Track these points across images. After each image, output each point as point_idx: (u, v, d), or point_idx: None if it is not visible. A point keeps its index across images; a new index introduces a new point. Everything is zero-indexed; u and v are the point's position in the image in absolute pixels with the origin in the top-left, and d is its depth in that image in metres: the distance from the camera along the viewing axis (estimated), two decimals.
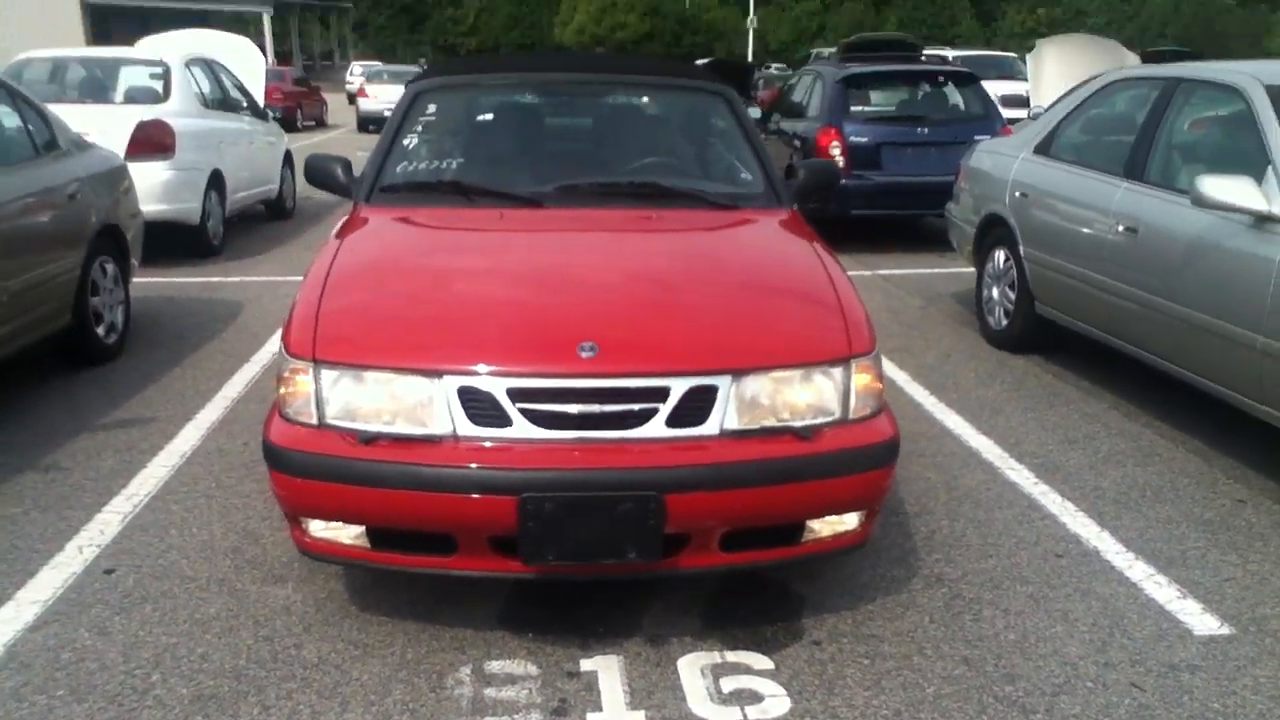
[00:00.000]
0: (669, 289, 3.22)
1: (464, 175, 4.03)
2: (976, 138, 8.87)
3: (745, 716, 2.63)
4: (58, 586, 3.24)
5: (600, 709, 2.66)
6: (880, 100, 9.57)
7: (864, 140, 8.93)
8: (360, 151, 19.71)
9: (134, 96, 8.64)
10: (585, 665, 2.85)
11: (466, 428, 2.72)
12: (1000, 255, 6.09)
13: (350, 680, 2.77)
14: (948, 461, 4.35)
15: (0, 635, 2.96)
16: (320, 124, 26.82)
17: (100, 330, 5.58)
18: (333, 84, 35.07)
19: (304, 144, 16.45)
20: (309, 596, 3.19)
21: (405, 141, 4.14)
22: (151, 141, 7.96)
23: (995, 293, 6.16)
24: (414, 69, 28.55)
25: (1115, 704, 2.71)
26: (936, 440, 4.58)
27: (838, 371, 2.89)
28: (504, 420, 2.71)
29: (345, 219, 3.89)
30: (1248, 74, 4.52)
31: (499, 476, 2.64)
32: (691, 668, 2.84)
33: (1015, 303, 5.92)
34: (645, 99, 4.59)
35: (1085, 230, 5.17)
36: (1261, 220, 4.02)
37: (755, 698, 2.71)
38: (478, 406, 2.72)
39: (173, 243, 8.41)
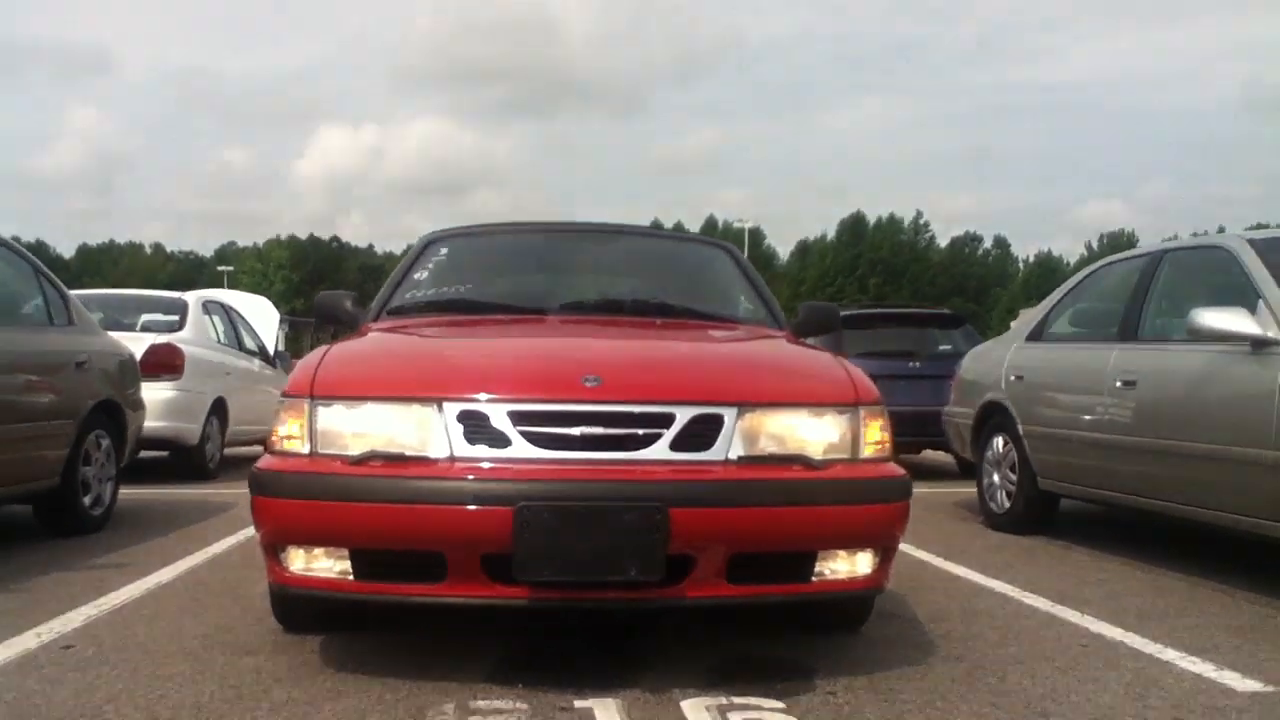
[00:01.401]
0: (677, 345, 3.24)
1: (469, 294, 4.12)
2: None
3: None
4: (8, 657, 3.01)
5: None
6: (874, 339, 9.86)
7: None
8: None
9: (150, 326, 8.92)
10: (579, 704, 2.61)
11: (464, 449, 2.64)
12: (999, 441, 6.09)
13: (321, 712, 2.53)
14: (960, 593, 4.16)
15: None
16: None
17: (87, 500, 5.47)
18: None
19: None
20: (282, 662, 2.97)
21: (416, 275, 4.24)
22: (161, 362, 8.12)
23: (996, 477, 6.10)
24: None
25: None
26: (947, 581, 4.40)
27: (844, 416, 2.86)
28: (503, 441, 2.65)
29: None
30: (1232, 235, 4.78)
31: (495, 487, 2.55)
32: (696, 708, 2.60)
33: (1017, 483, 5.85)
34: (651, 246, 4.76)
35: (1083, 393, 5.21)
36: (1259, 345, 4.08)
37: None
38: (477, 429, 2.66)
39: (170, 467, 8.41)
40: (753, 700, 2.65)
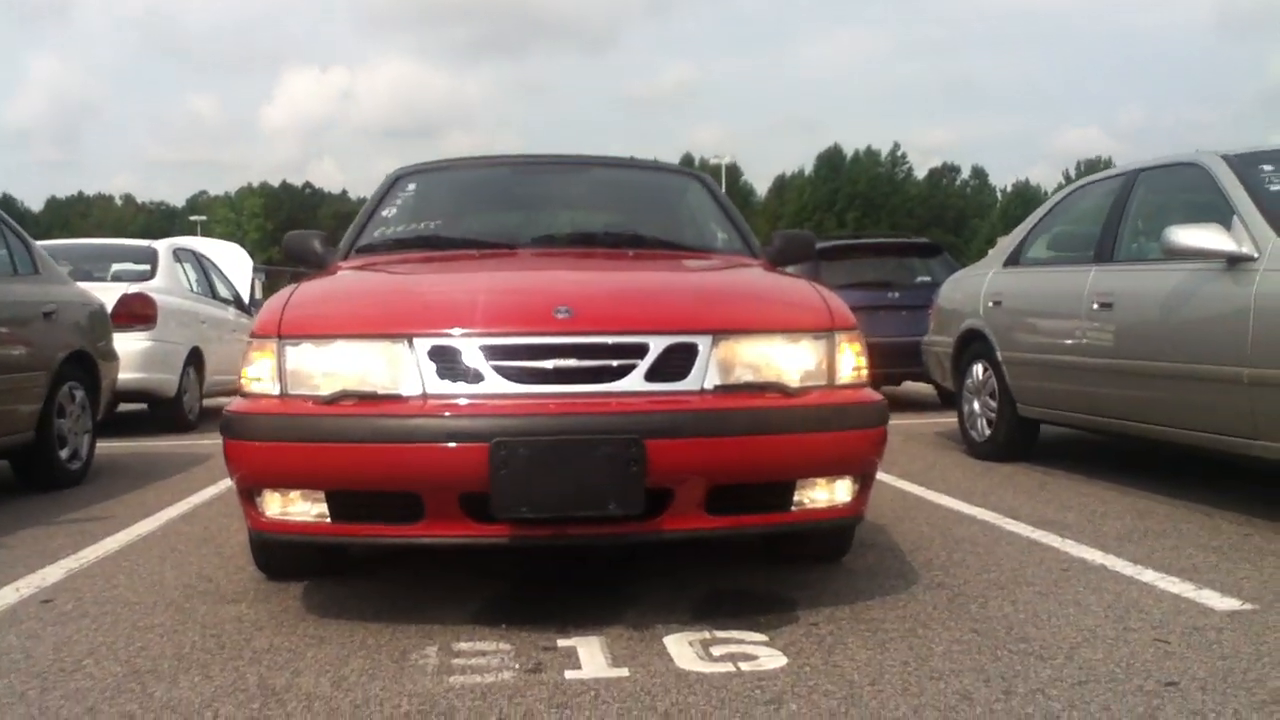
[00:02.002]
0: (649, 273, 3.20)
1: (439, 230, 4.06)
2: None
3: (739, 669, 2.39)
4: None
5: (579, 668, 2.41)
6: (851, 269, 9.82)
7: None
8: None
9: (121, 276, 8.79)
10: (563, 642, 2.60)
11: (436, 385, 2.61)
12: (978, 368, 6.09)
13: (304, 658, 2.52)
14: (942, 521, 4.17)
15: None
16: None
17: (64, 453, 5.42)
18: None
19: None
20: (263, 611, 2.95)
21: (384, 213, 4.17)
22: (133, 313, 8.01)
23: (976, 405, 6.11)
24: None
25: (1140, 652, 2.48)
26: (928, 510, 4.42)
27: (821, 342, 2.83)
28: (476, 377, 2.61)
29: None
30: (1205, 152, 4.73)
31: (469, 423, 2.51)
32: (679, 641, 2.60)
33: (997, 410, 5.86)
34: (622, 176, 4.68)
35: (1061, 317, 5.20)
36: (1234, 261, 4.06)
37: (748, 658, 2.47)
38: (449, 365, 2.62)
39: (148, 419, 8.34)
40: (735, 634, 2.65)
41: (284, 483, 2.65)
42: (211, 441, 7.52)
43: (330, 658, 2.51)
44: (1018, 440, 5.80)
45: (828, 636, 2.63)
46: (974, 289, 6.21)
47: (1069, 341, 5.10)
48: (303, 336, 2.71)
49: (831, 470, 2.75)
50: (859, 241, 10.14)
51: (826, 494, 2.78)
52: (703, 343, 2.69)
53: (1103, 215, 5.25)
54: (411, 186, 4.33)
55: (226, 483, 5.36)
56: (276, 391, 2.68)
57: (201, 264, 9.92)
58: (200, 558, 3.65)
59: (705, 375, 2.67)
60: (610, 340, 2.65)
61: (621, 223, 4.17)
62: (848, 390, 2.81)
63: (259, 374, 2.73)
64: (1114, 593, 3.03)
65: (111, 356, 6.24)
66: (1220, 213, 4.29)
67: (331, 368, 2.67)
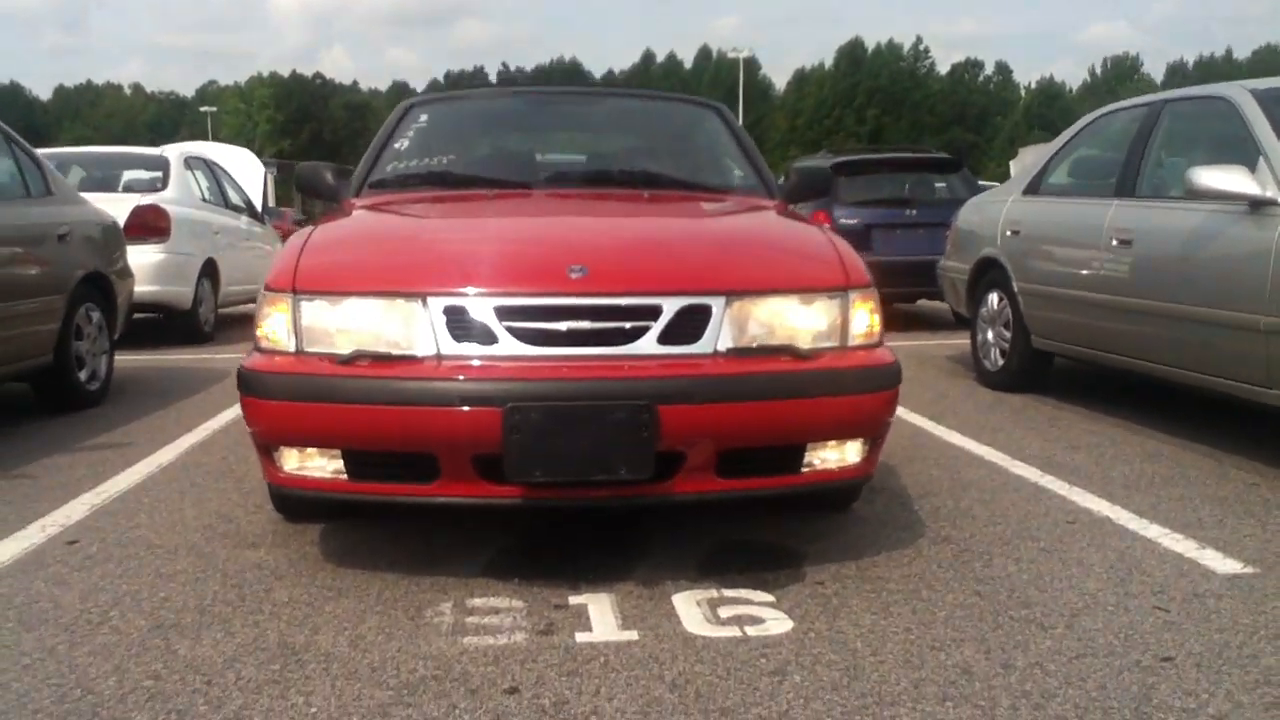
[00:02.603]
0: (662, 228, 3.18)
1: (452, 167, 4.03)
2: None
3: (745, 634, 2.45)
4: (15, 554, 3.06)
5: (589, 630, 2.48)
6: (868, 186, 9.70)
7: (853, 222, 9.02)
8: None
9: (133, 186, 8.75)
10: (574, 600, 2.67)
11: (450, 346, 2.62)
12: (994, 297, 6.06)
13: (322, 614, 2.59)
14: (950, 462, 4.21)
15: None
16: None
17: (83, 375, 5.48)
18: None
19: None
20: (282, 557, 3.02)
21: (396, 145, 4.14)
22: (147, 225, 8.01)
23: (990, 335, 6.11)
24: None
25: (1139, 622, 2.53)
26: (937, 449, 4.45)
27: (835, 301, 2.82)
28: (490, 338, 2.62)
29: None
30: (1234, 85, 4.61)
31: (483, 387, 2.53)
32: (687, 601, 2.66)
33: (1011, 341, 5.85)
34: (638, 107, 4.62)
35: (1079, 251, 5.16)
36: (1256, 205, 4.01)
37: (754, 621, 2.54)
38: (462, 325, 2.63)
39: (165, 331, 8.40)
40: (742, 593, 2.71)
41: (301, 441, 2.69)
42: (227, 356, 7.62)
43: (348, 613, 2.58)
44: (1030, 371, 5.80)
45: (833, 598, 2.68)
46: (992, 216, 6.14)
47: (1086, 276, 5.07)
48: (317, 292, 2.72)
49: (843, 433, 2.77)
50: (877, 157, 9.99)
51: (837, 455, 2.80)
52: (716, 304, 2.69)
53: (1125, 146, 5.16)
54: (424, 117, 4.28)
55: None
56: (292, 348, 2.70)
57: (213, 171, 9.86)
58: (219, 494, 3.72)
59: (718, 337, 2.67)
60: (624, 302, 2.66)
61: (636, 160, 4.12)
62: (860, 351, 2.81)
63: (274, 329, 2.74)
64: (1117, 550, 3.07)
65: (126, 274, 6.26)
66: (1246, 152, 4.21)
67: (346, 325, 2.68)
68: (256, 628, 2.50)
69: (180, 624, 2.52)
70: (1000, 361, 5.98)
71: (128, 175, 8.96)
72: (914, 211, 9.21)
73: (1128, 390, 5.45)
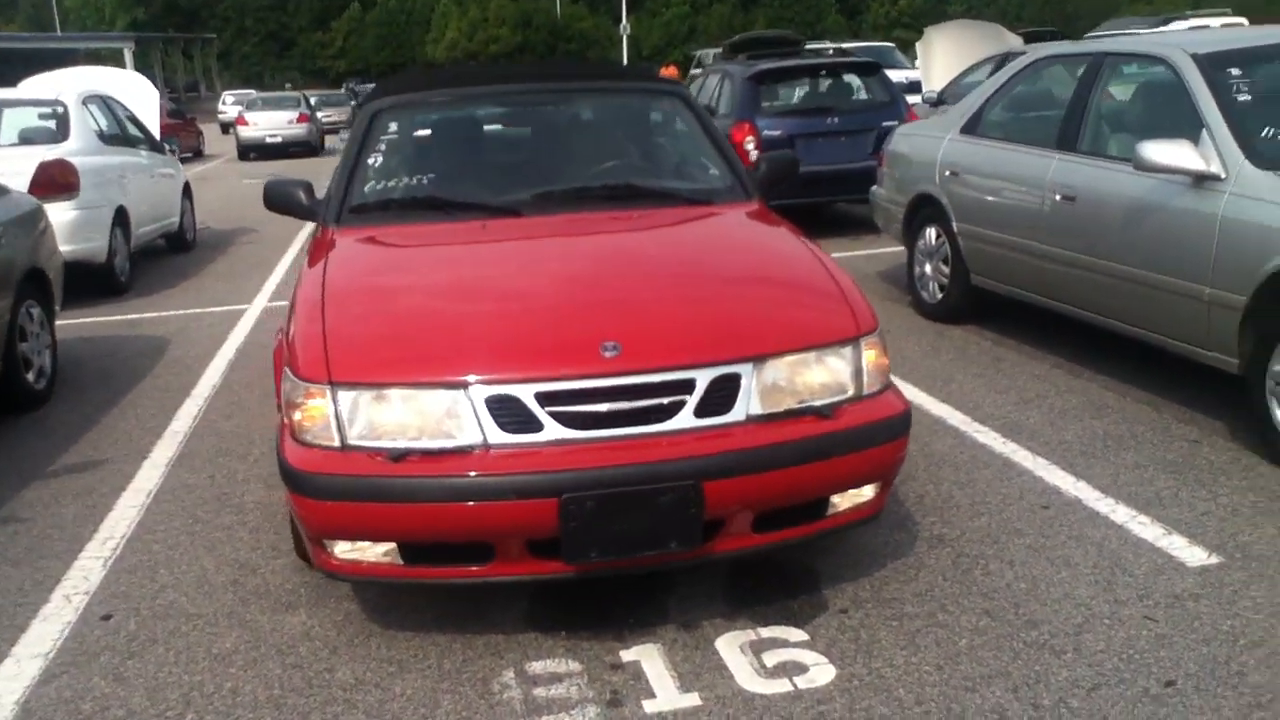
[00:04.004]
0: (677, 283, 3.26)
1: (436, 190, 3.99)
2: (885, 123, 9.15)
3: (795, 687, 2.68)
4: (55, 638, 3.10)
5: (653, 695, 2.68)
6: (789, 95, 9.75)
7: (777, 133, 9.09)
8: (247, 180, 19.31)
9: (31, 137, 8.29)
10: (625, 656, 2.86)
11: (497, 436, 2.70)
12: (931, 232, 6.28)
13: (394, 697, 2.73)
14: (917, 430, 4.40)
15: (9, 693, 2.83)
16: (198, 154, 26.06)
17: (30, 376, 5.35)
18: (202, 115, 34.08)
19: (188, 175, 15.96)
20: (326, 620, 3.13)
21: (369, 161, 4.07)
22: (54, 182, 7.65)
23: (928, 268, 6.34)
24: (293, 94, 27.98)
25: (1135, 636, 2.84)
26: None
27: (848, 351, 2.97)
28: (534, 425, 2.70)
29: (314, 243, 3.82)
30: (1173, 45, 4.77)
31: (537, 480, 2.63)
32: (730, 647, 2.88)
33: (950, 276, 6.10)
34: (606, 102, 4.60)
35: (1021, 202, 5.37)
36: (1200, 179, 4.23)
37: (800, 669, 2.76)
38: (506, 414, 2.71)
39: (81, 283, 8.10)
40: (777, 631, 2.94)
41: (355, 536, 2.77)
42: (154, 315, 7.44)
43: (419, 694, 2.73)
44: (969, 306, 6.08)
45: (861, 630, 2.93)
46: (928, 153, 6.29)
47: (1028, 227, 5.29)
48: (358, 384, 2.76)
49: (864, 481, 2.97)
50: (797, 64, 9.98)
51: (855, 499, 3.00)
52: (745, 371, 2.81)
53: (1066, 99, 5.32)
54: (393, 126, 4.20)
55: (201, 393, 5.39)
56: (337, 443, 2.75)
57: (109, 106, 9.38)
58: (228, 533, 3.77)
59: (748, 404, 2.81)
60: (659, 379, 2.76)
61: (617, 172, 4.14)
62: (876, 401, 2.98)
63: (314, 420, 2.77)
64: (1096, 544, 3.38)
65: (57, 258, 6.05)
66: (1189, 121, 4.41)
67: (390, 417, 2.74)
68: None
69: None
70: (939, 295, 6.23)
71: (21, 124, 8.46)
72: (835, 119, 9.30)
73: (1061, 326, 5.75)
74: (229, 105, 34.50)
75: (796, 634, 2.94)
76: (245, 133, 24.17)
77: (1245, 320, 4.02)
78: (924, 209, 6.35)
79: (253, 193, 17.05)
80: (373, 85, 9.10)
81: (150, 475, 4.39)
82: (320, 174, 20.07)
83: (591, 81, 4.71)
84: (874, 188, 7.18)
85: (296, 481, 2.74)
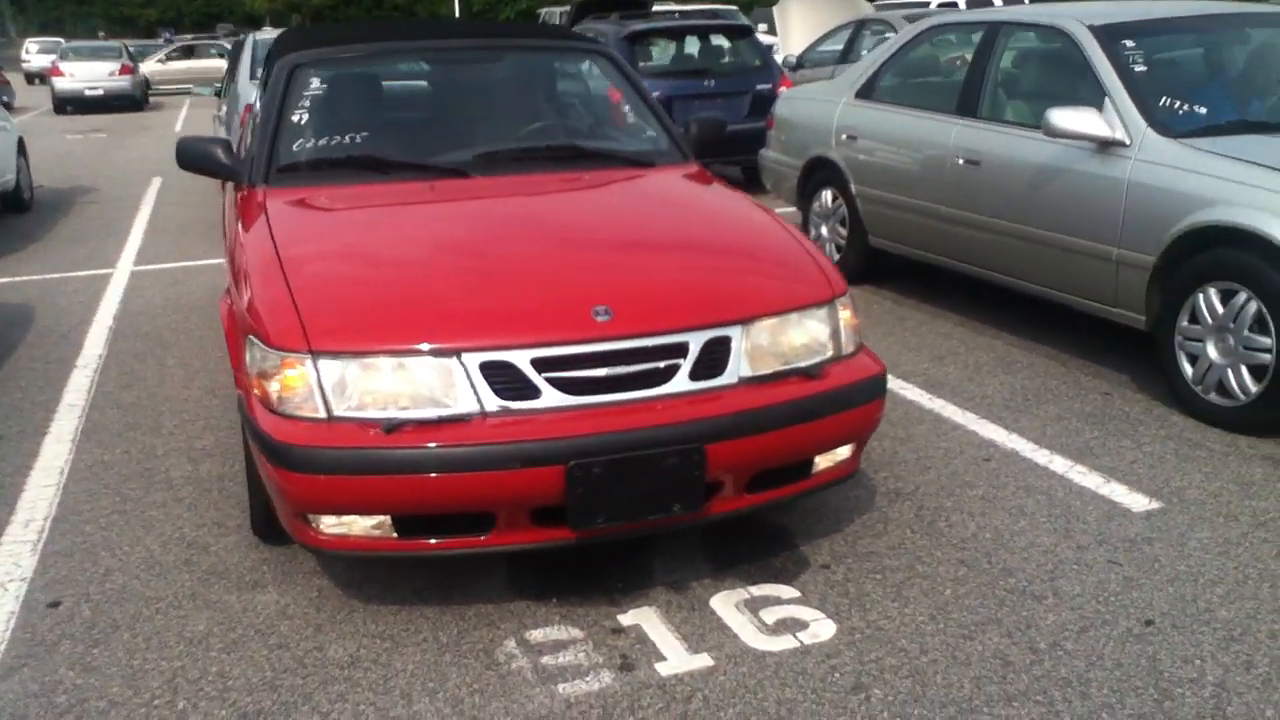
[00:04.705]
0: (655, 247, 3.24)
1: (373, 149, 3.82)
2: (759, 87, 9.29)
3: (801, 643, 2.73)
4: (1, 629, 2.87)
5: (663, 658, 2.68)
6: (662, 56, 9.75)
7: (654, 94, 9.05)
8: (71, 135, 18.04)
9: None
10: (624, 620, 2.85)
11: (494, 403, 2.63)
12: (827, 195, 6.42)
13: (397, 672, 2.64)
14: None
15: None
16: (8, 107, 24.08)
17: None
18: (1, 62, 31.55)
19: None
20: (300, 597, 3.00)
21: (294, 119, 3.85)
22: None
23: (824, 230, 6.49)
24: (113, 44, 26.20)
25: (1106, 580, 3.01)
26: None
27: (825, 312, 3.02)
28: (532, 391, 2.64)
29: (242, 204, 3.62)
30: (1069, 16, 4.98)
31: (543, 447, 2.58)
32: (726, 606, 2.90)
33: (847, 238, 6.26)
34: (535, 61, 4.50)
35: (923, 165, 5.54)
36: (1105, 145, 4.47)
37: (800, 625, 2.82)
38: (502, 381, 2.64)
39: None
40: (767, 589, 2.99)
41: (346, 511, 2.65)
42: (7, 280, 6.91)
43: (424, 669, 2.65)
44: (866, 267, 6.26)
45: (848, 585, 3.01)
46: (823, 116, 6.41)
47: (930, 189, 5.47)
48: (341, 353, 2.63)
49: (846, 441, 3.03)
50: (669, 25, 9.99)
51: (833, 458, 3.06)
52: (735, 334, 2.83)
53: (965, 66, 5.51)
54: (314, 81, 3.98)
55: (88, 364, 5.04)
56: (322, 414, 2.62)
57: None
58: (162, 510, 3.56)
59: (739, 366, 2.82)
60: (654, 343, 2.74)
61: (550, 130, 4.10)
62: (854, 360, 3.05)
63: (295, 391, 2.64)
64: (1044, 493, 3.56)
65: None
66: (1090, 90, 4.64)
67: (379, 385, 2.63)
68: (345, 703, 2.53)
69: (266, 711, 2.50)
70: (836, 256, 6.39)
71: None
72: (711, 82, 9.36)
73: (957, 285, 5.99)
74: (34, 54, 32.14)
75: (788, 591, 2.99)
76: (61, 84, 22.55)
77: (1153, 279, 4.28)
78: (819, 172, 6.48)
79: (80, 149, 16.16)
80: (237, 37, 8.61)
81: (57, 452, 4.09)
82: (148, 129, 19.03)
83: (517, 39, 4.60)
84: (763, 150, 7.27)
85: (280, 455, 2.60)
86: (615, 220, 3.50)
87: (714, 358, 2.80)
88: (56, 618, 2.92)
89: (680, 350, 2.76)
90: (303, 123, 3.86)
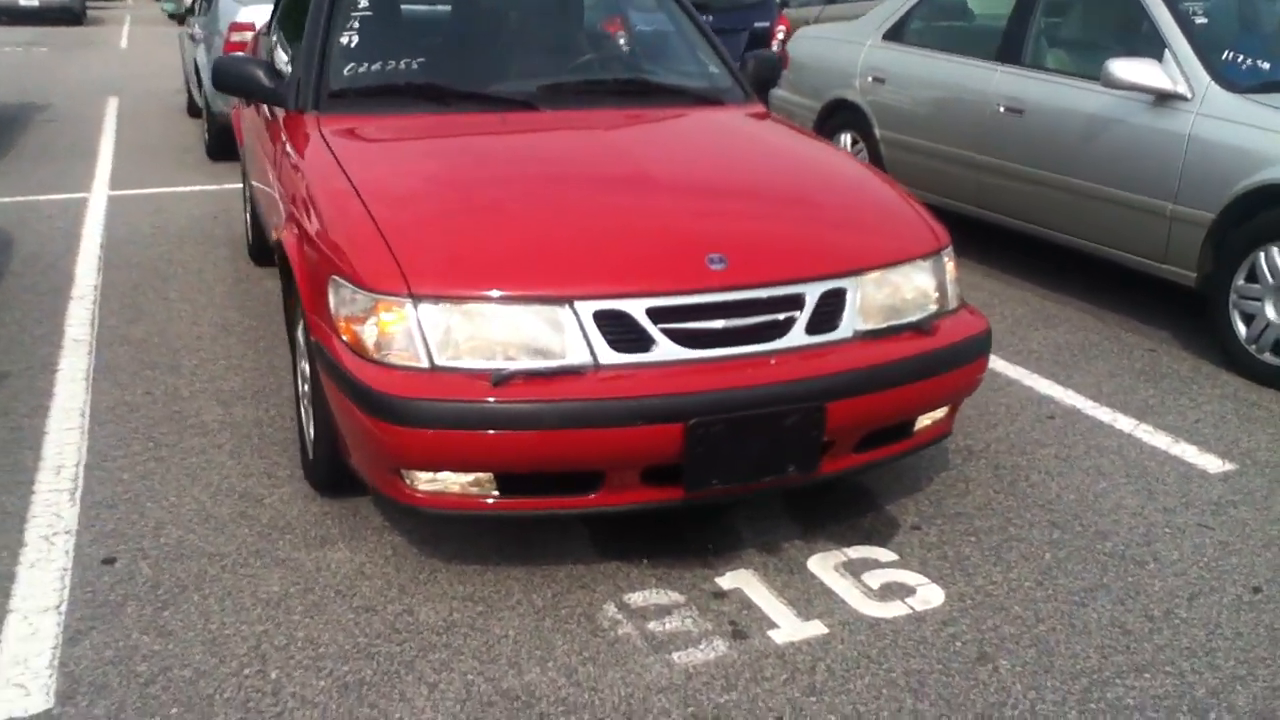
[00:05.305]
0: (757, 193, 3.10)
1: (433, 76, 3.59)
2: (757, 24, 9.07)
3: (913, 609, 2.64)
4: (57, 587, 2.67)
5: (775, 625, 2.57)
6: None
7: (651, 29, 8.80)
8: (9, 48, 17.12)
9: None
10: (723, 584, 2.73)
11: (608, 355, 2.47)
12: (847, 138, 6.27)
13: (498, 639, 2.50)
14: None
15: (35, 655, 2.41)
16: None
17: None
18: None
19: None
20: (375, 555, 2.83)
21: (344, 41, 3.60)
22: None
23: None
24: None
25: (1202, 545, 2.96)
26: None
27: (932, 264, 2.90)
28: (647, 343, 2.49)
29: (289, 130, 3.38)
30: None
31: (663, 403, 2.43)
32: (825, 569, 2.80)
33: None
34: None
35: (958, 113, 5.40)
36: (1164, 98, 4.36)
37: (907, 590, 2.73)
38: (617, 331, 2.48)
39: None
40: (862, 551, 2.89)
41: (449, 467, 2.49)
42: None
43: (523, 634, 2.51)
44: None
45: (946, 549, 2.92)
46: (847, 58, 6.24)
47: (967, 137, 5.35)
48: (444, 297, 2.45)
49: (952, 399, 2.93)
50: None
51: (932, 417, 2.96)
52: (850, 285, 2.70)
53: (1007, 10, 5.35)
54: (363, 2, 3.73)
55: (84, 295, 4.76)
56: (424, 363, 2.45)
57: None
58: (204, 458, 3.36)
59: (853, 321, 2.70)
60: (770, 294, 2.61)
61: (614, 62, 3.94)
62: (960, 316, 2.94)
63: (393, 339, 2.46)
64: (1115, 452, 3.51)
65: None
66: (1146, 41, 4.53)
67: (485, 333, 2.46)
68: (451, 671, 2.39)
69: (368, 681, 2.35)
70: None
71: None
72: (710, 18, 9.05)
73: (980, 235, 5.90)
74: None
75: (885, 554, 2.89)
76: None
77: (1209, 236, 4.22)
78: (839, 114, 6.33)
79: (22, 61, 15.37)
80: None
81: (72, 392, 3.84)
82: (93, 45, 18.12)
83: None
84: (775, 90, 7.08)
85: (381, 406, 2.42)
86: (711, 163, 3.33)
87: (829, 311, 2.67)
88: (115, 575, 2.73)
89: (797, 302, 2.63)
90: (352, 46, 3.61)
